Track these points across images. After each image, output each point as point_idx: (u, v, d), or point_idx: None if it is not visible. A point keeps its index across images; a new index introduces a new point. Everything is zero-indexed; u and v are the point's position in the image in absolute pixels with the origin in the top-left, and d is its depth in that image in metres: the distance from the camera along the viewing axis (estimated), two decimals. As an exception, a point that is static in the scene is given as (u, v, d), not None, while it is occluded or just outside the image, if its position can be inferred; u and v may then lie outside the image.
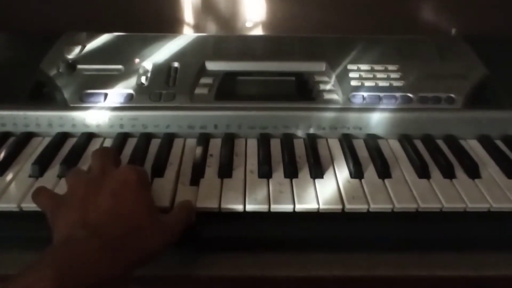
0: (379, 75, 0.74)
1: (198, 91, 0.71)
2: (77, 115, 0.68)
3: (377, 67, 0.75)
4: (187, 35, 0.83)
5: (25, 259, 0.51)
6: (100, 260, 0.42)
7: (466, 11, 0.92)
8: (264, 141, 0.67)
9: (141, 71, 0.74)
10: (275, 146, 0.66)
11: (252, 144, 0.67)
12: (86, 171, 0.57)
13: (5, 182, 0.58)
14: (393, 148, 0.67)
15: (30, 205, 0.54)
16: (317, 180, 0.59)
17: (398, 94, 0.71)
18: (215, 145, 0.67)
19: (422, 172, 0.60)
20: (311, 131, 0.69)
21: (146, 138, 0.67)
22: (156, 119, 0.68)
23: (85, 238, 0.43)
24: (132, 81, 0.72)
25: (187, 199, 0.55)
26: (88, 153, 0.65)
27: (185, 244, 0.52)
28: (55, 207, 0.49)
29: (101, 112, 0.68)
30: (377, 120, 0.69)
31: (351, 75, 0.74)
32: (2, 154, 0.63)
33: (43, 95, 0.72)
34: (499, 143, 0.68)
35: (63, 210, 0.47)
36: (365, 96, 0.71)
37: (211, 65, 0.76)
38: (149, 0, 0.93)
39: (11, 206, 0.54)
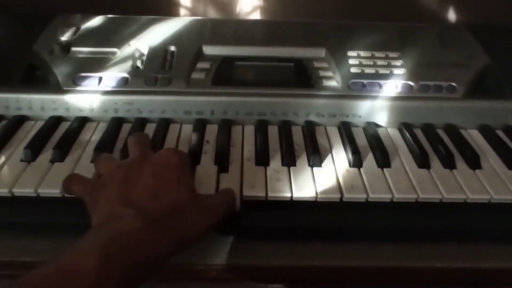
0: (379, 62, 0.73)
1: (194, 75, 0.70)
2: (70, 98, 0.66)
3: (377, 54, 0.74)
4: (184, 18, 0.81)
5: (18, 245, 0.51)
6: (145, 238, 0.41)
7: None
8: (261, 128, 0.65)
9: (136, 54, 0.72)
10: (273, 133, 0.65)
11: (250, 130, 0.66)
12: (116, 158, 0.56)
13: (-4, 166, 0.57)
14: (392, 137, 0.66)
15: (21, 190, 0.53)
16: (315, 169, 0.58)
17: (398, 82, 0.70)
18: (212, 131, 0.65)
19: (422, 162, 0.59)
20: (310, 118, 0.67)
21: (141, 123, 0.66)
22: (151, 104, 0.67)
23: (129, 216, 0.42)
24: (127, 64, 0.70)
25: (229, 187, 0.54)
26: (82, 137, 0.64)
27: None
28: (93, 191, 0.47)
29: (95, 96, 0.66)
30: (377, 108, 0.67)
31: (351, 61, 0.72)
32: (-6, 138, 0.62)
33: (36, 78, 0.70)
34: (500, 133, 0.68)
35: (103, 193, 0.46)
36: (365, 84, 0.69)
37: (208, 50, 0.74)
38: (145, -18, 0.91)
39: (2, 191, 0.53)
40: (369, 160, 0.60)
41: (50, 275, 0.37)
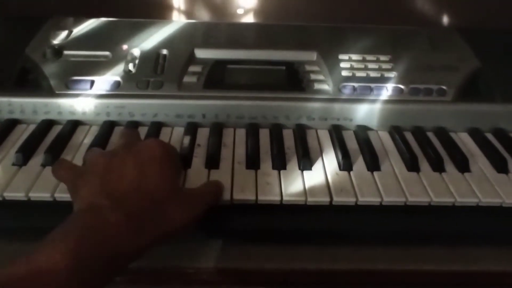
0: (370, 65, 0.73)
1: (186, 79, 0.70)
2: (63, 102, 0.67)
3: (368, 57, 0.74)
4: (176, 22, 0.81)
5: (9, 249, 0.51)
6: (122, 231, 0.41)
7: (459, 2, 0.91)
8: (252, 131, 0.66)
9: (128, 58, 0.72)
10: (264, 136, 0.66)
11: (241, 134, 0.66)
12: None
13: (-12, 170, 0.57)
14: (383, 140, 0.66)
15: (13, 194, 0.53)
16: (305, 172, 0.58)
17: (389, 85, 0.70)
18: (203, 134, 0.66)
19: (412, 165, 0.60)
20: (301, 121, 0.68)
21: (133, 126, 0.66)
22: (143, 108, 0.67)
23: (107, 208, 0.42)
24: (120, 68, 0.70)
25: (216, 179, 0.54)
26: (74, 141, 0.64)
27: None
28: (76, 177, 0.48)
29: (87, 100, 0.66)
30: (368, 112, 0.68)
31: (342, 65, 0.73)
32: (-15, 142, 0.62)
33: (28, 81, 0.70)
34: (490, 136, 0.68)
35: (85, 180, 0.46)
36: (356, 87, 0.70)
37: (200, 53, 0.75)
38: (138, -15, 0.91)
39: (-7, 195, 0.53)
40: (359, 164, 0.60)
41: (21, 277, 0.36)
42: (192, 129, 0.66)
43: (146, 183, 0.46)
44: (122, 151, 0.49)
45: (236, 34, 0.79)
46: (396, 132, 0.67)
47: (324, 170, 0.59)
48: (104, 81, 0.69)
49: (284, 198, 0.54)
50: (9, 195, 0.53)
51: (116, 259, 0.41)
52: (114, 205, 0.43)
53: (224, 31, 0.80)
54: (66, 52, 0.73)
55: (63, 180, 0.50)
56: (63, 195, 0.52)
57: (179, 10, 0.92)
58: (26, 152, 0.59)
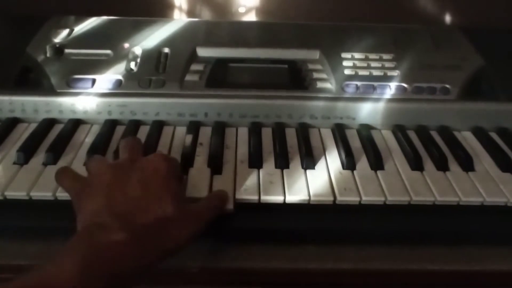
0: (373, 64, 0.73)
1: (188, 78, 0.70)
2: (64, 101, 0.66)
3: (371, 56, 0.74)
4: (178, 20, 0.81)
5: (11, 249, 0.51)
6: (126, 251, 0.41)
7: (462, 0, 0.91)
8: (255, 130, 0.65)
9: (130, 56, 0.72)
10: (267, 135, 0.65)
11: (243, 133, 0.66)
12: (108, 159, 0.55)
13: (-11, 169, 0.57)
14: (386, 139, 0.66)
15: (14, 194, 0.53)
16: (308, 171, 0.58)
17: (392, 84, 0.70)
18: (205, 133, 0.65)
19: (415, 164, 0.60)
20: (304, 120, 0.67)
21: (134, 125, 0.66)
22: (145, 106, 0.66)
23: (111, 227, 0.42)
24: (121, 66, 0.70)
25: (221, 189, 0.54)
26: (75, 140, 0.63)
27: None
28: (81, 189, 0.47)
29: (88, 98, 0.66)
30: (371, 110, 0.67)
31: (345, 63, 0.72)
32: (-14, 140, 0.62)
33: (30, 80, 0.70)
34: (494, 135, 0.68)
35: (89, 194, 0.46)
36: (359, 86, 0.69)
37: (202, 52, 0.74)
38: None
39: (-5, 195, 0.53)
40: (363, 163, 0.60)
41: None
42: (194, 128, 0.65)
43: (150, 200, 0.45)
44: (127, 166, 0.49)
45: (238, 32, 0.79)
46: (399, 131, 0.66)
47: (328, 169, 0.59)
48: (106, 80, 0.68)
49: (287, 197, 0.53)
50: (10, 194, 0.53)
51: (121, 278, 0.41)
52: (119, 224, 0.42)
53: (226, 29, 0.80)
54: (67, 51, 0.72)
55: (67, 190, 0.50)
56: (64, 194, 0.51)
57: (181, 8, 0.92)
58: (27, 151, 0.59)
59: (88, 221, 0.44)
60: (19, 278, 0.37)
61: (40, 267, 0.38)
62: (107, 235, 0.41)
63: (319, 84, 0.70)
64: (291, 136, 0.65)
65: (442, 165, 0.60)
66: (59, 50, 0.72)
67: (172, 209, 0.45)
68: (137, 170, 0.48)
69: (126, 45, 0.74)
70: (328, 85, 0.70)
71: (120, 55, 0.72)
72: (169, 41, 0.75)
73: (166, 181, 0.47)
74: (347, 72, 0.71)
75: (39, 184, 0.54)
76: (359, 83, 0.70)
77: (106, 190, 0.46)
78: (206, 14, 0.92)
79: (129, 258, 0.41)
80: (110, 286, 0.40)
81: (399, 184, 0.56)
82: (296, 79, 0.71)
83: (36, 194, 0.53)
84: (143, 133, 0.64)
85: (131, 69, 0.70)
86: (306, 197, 0.53)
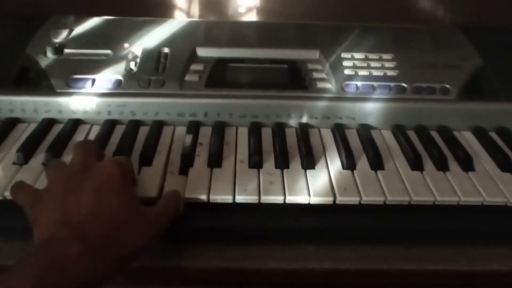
0: (373, 64, 0.73)
1: (188, 78, 0.70)
2: (63, 101, 0.66)
3: (371, 55, 0.74)
4: (178, 20, 0.81)
5: (10, 249, 0.51)
6: (82, 263, 0.41)
7: (462, 0, 0.91)
8: (255, 130, 0.65)
9: (130, 56, 0.72)
10: (266, 135, 0.65)
11: (243, 133, 0.66)
12: (66, 163, 0.53)
13: (-12, 169, 0.57)
14: (386, 139, 0.66)
15: (13, 194, 0.53)
16: (308, 171, 0.58)
17: (392, 84, 0.70)
18: (205, 133, 0.65)
19: (415, 164, 0.59)
20: (303, 120, 0.67)
21: (134, 125, 0.66)
22: (144, 106, 0.66)
23: (66, 240, 0.42)
24: (121, 66, 0.70)
25: (174, 189, 0.53)
26: (75, 140, 0.63)
27: (173, 235, 0.51)
28: (35, 203, 0.47)
29: (88, 98, 0.66)
30: (371, 110, 0.67)
31: (345, 63, 0.72)
32: (-14, 140, 0.62)
33: (29, 80, 0.69)
34: (494, 135, 0.68)
35: (43, 207, 0.46)
36: (359, 86, 0.69)
37: (202, 51, 0.74)
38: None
39: (-6, 195, 0.53)
40: (363, 163, 0.60)
41: None
42: (194, 128, 0.65)
43: (104, 208, 0.45)
44: (79, 173, 0.48)
45: (238, 32, 0.79)
46: (399, 131, 0.66)
47: (327, 169, 0.58)
48: (105, 80, 0.68)
49: (287, 197, 0.53)
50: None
51: None
52: (73, 234, 0.42)
53: (226, 29, 0.80)
54: (67, 51, 0.72)
55: (21, 204, 0.49)
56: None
57: (180, 8, 0.91)
58: (27, 151, 0.59)
59: (44, 234, 0.43)
60: None
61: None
62: (62, 248, 0.41)
63: (319, 84, 0.70)
64: (291, 136, 0.65)
65: (442, 165, 0.60)
66: (58, 50, 0.72)
67: (127, 216, 0.45)
68: (89, 178, 0.47)
69: (126, 45, 0.74)
70: (328, 85, 0.70)
71: (120, 55, 0.72)
72: (169, 41, 0.75)
73: (119, 187, 0.47)
74: (347, 72, 0.71)
75: (38, 184, 0.54)
76: (359, 83, 0.70)
77: (59, 201, 0.45)
78: (206, 14, 0.92)
79: (85, 269, 0.41)
80: None
81: (399, 184, 0.56)
82: (296, 79, 0.71)
83: (36, 194, 0.52)
84: (143, 133, 0.64)
85: (131, 69, 0.70)
86: (306, 198, 0.53)
